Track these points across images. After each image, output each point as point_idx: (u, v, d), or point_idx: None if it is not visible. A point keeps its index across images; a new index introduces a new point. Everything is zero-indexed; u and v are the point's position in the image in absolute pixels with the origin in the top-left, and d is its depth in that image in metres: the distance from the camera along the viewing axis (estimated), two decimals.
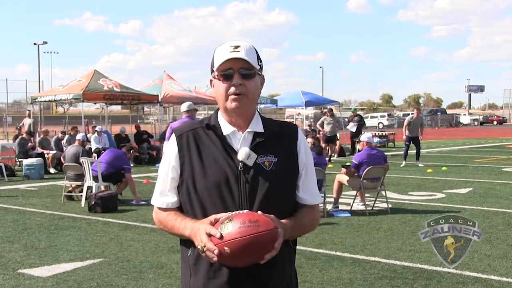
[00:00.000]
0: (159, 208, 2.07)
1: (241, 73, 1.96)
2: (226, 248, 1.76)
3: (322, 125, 18.76)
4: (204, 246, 1.80)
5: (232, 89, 1.96)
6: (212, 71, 2.02)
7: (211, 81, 2.06)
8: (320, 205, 2.21)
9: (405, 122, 16.22)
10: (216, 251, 1.77)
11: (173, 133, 2.06)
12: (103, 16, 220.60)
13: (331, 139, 18.39)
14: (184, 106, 8.90)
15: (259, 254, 1.80)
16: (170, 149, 2.05)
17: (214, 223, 1.84)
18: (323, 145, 17.57)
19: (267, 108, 26.29)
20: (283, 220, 1.93)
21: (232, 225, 1.78)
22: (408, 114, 62.69)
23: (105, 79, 17.81)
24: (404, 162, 15.93)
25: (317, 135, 16.92)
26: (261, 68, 2.04)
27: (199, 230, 1.85)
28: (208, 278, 1.96)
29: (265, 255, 1.80)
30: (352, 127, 19.88)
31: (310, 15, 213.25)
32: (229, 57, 1.94)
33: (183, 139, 2.02)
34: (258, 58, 2.02)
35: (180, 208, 2.05)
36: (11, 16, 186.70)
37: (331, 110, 19.39)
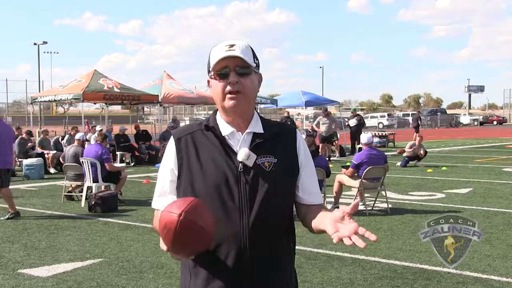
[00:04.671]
0: (158, 211, 2.06)
1: (237, 71, 1.94)
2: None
3: (318, 125, 18.97)
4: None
5: (229, 87, 1.94)
6: (209, 71, 2.01)
7: (208, 81, 2.05)
8: None
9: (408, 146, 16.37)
10: (169, 253, 1.83)
11: (172, 136, 2.05)
12: (103, 16, 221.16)
13: (327, 139, 18.49)
14: None
15: (195, 237, 1.77)
16: (168, 152, 2.03)
17: None
18: (320, 145, 17.65)
19: (267, 108, 26.27)
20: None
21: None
22: (408, 114, 62.69)
23: (105, 79, 17.80)
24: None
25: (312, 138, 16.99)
26: (257, 66, 2.02)
27: None
28: (208, 280, 1.95)
29: (205, 227, 1.77)
30: (353, 122, 20.16)
31: (311, 15, 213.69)
32: (224, 55, 1.93)
33: (182, 142, 2.01)
34: (254, 56, 2.00)
35: None
36: (11, 16, 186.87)
37: (325, 110, 19.49)
